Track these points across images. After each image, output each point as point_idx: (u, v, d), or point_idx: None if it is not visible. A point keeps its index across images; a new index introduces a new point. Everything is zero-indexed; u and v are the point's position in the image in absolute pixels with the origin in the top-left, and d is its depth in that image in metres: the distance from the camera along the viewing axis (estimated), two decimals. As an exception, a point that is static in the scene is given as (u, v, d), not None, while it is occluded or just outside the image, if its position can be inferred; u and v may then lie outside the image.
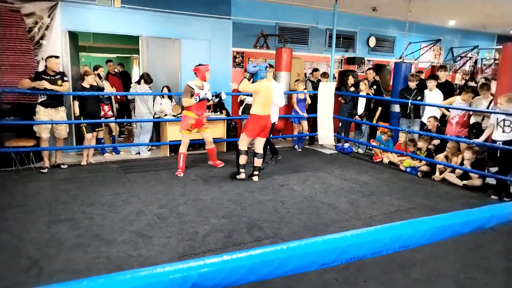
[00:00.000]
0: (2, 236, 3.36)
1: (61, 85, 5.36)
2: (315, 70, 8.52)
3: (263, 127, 5.08)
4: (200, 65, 5.45)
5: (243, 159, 5.21)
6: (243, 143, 5.19)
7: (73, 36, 6.71)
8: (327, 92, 7.26)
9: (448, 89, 6.46)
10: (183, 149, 5.56)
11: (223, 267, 0.72)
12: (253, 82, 5.02)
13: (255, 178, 5.26)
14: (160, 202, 4.37)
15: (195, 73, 5.47)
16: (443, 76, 6.63)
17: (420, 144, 6.02)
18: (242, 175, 5.26)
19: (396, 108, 7.00)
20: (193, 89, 5.33)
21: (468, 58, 11.35)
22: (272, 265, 0.75)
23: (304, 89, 7.44)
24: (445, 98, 6.15)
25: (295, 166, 6.23)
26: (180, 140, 6.74)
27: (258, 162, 5.25)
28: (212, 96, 5.55)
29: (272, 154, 6.42)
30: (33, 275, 2.79)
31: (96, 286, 0.62)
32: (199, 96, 5.31)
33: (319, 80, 8.45)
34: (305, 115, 7.44)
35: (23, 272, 2.84)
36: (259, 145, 5.22)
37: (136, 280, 0.66)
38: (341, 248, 0.84)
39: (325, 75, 7.67)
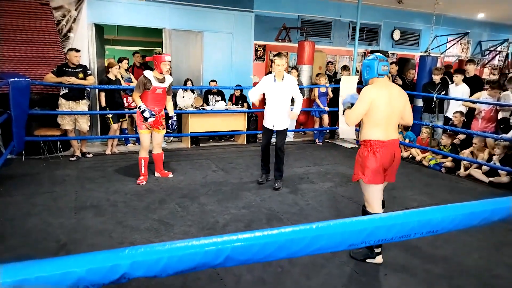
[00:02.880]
0: (32, 220, 3.50)
1: (82, 78, 5.50)
2: (330, 63, 8.45)
3: (390, 161, 2.85)
4: (159, 54, 4.57)
5: None
6: (370, 201, 2.91)
7: (99, 29, 6.86)
8: (349, 85, 7.17)
9: (476, 84, 6.29)
10: (143, 153, 4.69)
11: (255, 242, 0.75)
12: (363, 82, 3.03)
13: (379, 259, 2.98)
14: (181, 191, 4.45)
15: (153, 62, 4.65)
16: (471, 70, 6.44)
17: (444, 140, 5.89)
18: (379, 259, 2.98)
19: (419, 103, 6.86)
20: (149, 80, 4.44)
21: (497, 52, 10.98)
22: (301, 243, 0.77)
23: (325, 82, 7.39)
24: (473, 93, 5.99)
25: (316, 160, 6.20)
26: (202, 132, 6.88)
27: None
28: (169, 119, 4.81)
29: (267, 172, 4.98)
30: (61, 258, 2.90)
31: (138, 254, 0.66)
32: (144, 111, 4.37)
33: (335, 73, 8.37)
34: (327, 108, 7.39)
35: (52, 255, 2.94)
36: (379, 196, 2.93)
37: (174, 251, 0.69)
38: (369, 229, 0.85)
39: (345, 68, 7.57)
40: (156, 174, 4.99)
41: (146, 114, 4.36)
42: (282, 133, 4.65)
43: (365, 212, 3.00)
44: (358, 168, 2.90)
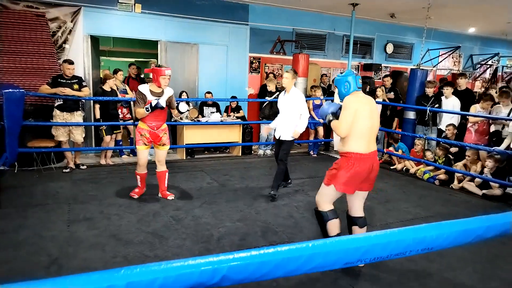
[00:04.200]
0: (23, 233, 3.45)
1: (77, 89, 5.49)
2: (324, 75, 8.54)
3: (368, 173, 2.89)
4: (159, 66, 4.29)
5: (333, 227, 3.00)
6: (326, 201, 3.00)
7: (95, 41, 6.88)
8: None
9: (468, 97, 6.37)
10: (138, 169, 4.46)
11: (251, 262, 0.74)
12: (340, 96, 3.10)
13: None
14: (176, 204, 4.42)
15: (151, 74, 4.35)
16: (463, 83, 6.54)
17: (439, 152, 5.94)
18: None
19: (411, 115, 6.93)
20: (145, 95, 4.17)
21: (488, 66, 11.16)
22: (297, 261, 0.77)
23: (320, 95, 7.45)
24: (464, 106, 6.06)
25: (310, 172, 6.21)
26: (197, 143, 6.86)
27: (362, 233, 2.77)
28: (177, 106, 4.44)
29: (284, 179, 5.18)
30: (53, 272, 2.85)
31: (133, 275, 0.65)
32: (150, 105, 4.10)
33: (329, 86, 8.44)
34: (321, 120, 7.43)
35: (43, 269, 2.90)
36: (358, 204, 3.07)
37: (169, 271, 0.68)
38: (365, 247, 0.85)
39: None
40: (159, 195, 4.65)
41: (154, 103, 4.09)
42: (285, 145, 4.77)
43: (317, 212, 3.07)
44: (332, 174, 2.92)
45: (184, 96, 6.95)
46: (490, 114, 5.53)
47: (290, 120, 4.69)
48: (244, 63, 8.04)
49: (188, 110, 5.22)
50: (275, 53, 8.33)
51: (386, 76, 7.78)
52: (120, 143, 6.54)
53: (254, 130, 7.78)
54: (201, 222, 3.91)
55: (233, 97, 7.44)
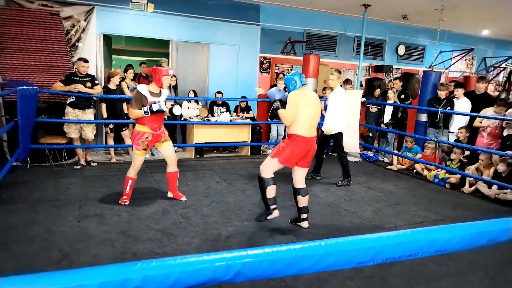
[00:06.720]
0: (35, 229, 3.50)
1: (89, 87, 5.55)
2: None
3: (306, 153, 3.63)
4: (159, 66, 4.01)
5: (271, 191, 3.64)
6: (268, 170, 3.63)
7: (107, 39, 6.96)
8: (353, 99, 7.20)
9: (486, 101, 6.22)
10: (132, 173, 4.26)
11: (264, 259, 0.75)
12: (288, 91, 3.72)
13: (305, 224, 3.86)
14: (184, 202, 4.44)
15: (151, 75, 4.23)
16: (481, 87, 6.41)
17: (454, 156, 5.86)
18: (276, 213, 3.71)
19: (423, 117, 6.87)
20: (145, 96, 4.06)
21: (502, 69, 11.00)
22: (310, 260, 0.77)
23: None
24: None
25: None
26: (206, 143, 6.90)
27: (304, 201, 3.80)
28: (171, 107, 4.46)
29: (344, 175, 5.60)
30: (64, 267, 2.89)
31: (149, 268, 0.66)
32: (150, 107, 3.98)
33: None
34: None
35: (54, 264, 2.94)
36: (300, 178, 3.80)
37: (184, 265, 0.69)
38: (377, 248, 0.85)
39: (347, 81, 7.59)
40: (169, 194, 4.59)
41: (155, 107, 3.98)
42: (335, 139, 5.72)
43: (260, 179, 3.67)
44: (278, 150, 3.64)
45: (191, 94, 6.97)
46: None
47: (337, 115, 5.48)
48: (254, 63, 8.05)
49: (181, 114, 5.38)
50: (285, 53, 8.33)
51: (396, 78, 7.70)
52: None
53: (263, 130, 7.79)
54: (210, 220, 3.93)
55: (243, 97, 7.45)
